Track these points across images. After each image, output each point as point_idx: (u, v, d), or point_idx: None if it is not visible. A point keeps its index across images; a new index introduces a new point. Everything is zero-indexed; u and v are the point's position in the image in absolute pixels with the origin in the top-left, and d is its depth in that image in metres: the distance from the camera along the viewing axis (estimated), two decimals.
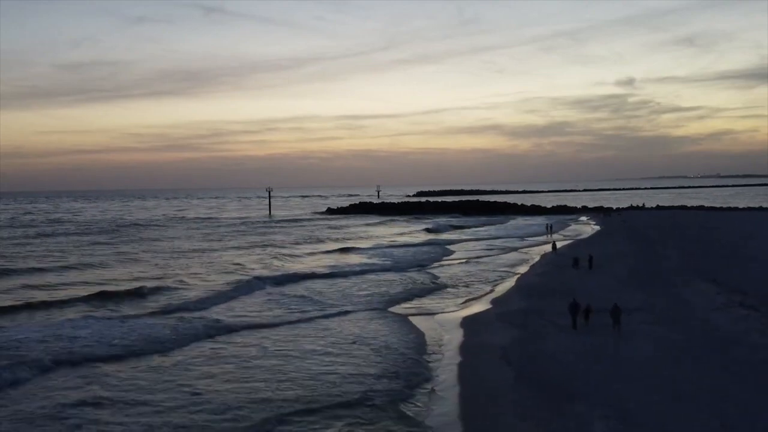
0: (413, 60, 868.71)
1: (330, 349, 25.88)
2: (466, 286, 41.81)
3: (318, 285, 42.53)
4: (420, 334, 28.75)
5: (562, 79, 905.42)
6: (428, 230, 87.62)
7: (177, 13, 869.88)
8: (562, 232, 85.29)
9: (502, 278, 44.93)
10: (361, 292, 39.54)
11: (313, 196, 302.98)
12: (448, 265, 52.89)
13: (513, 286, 41.01)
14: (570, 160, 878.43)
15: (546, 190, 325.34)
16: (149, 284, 40.61)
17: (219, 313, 33.28)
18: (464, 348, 26.46)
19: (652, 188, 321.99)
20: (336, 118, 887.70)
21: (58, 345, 25.64)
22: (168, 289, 39.19)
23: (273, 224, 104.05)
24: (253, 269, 48.93)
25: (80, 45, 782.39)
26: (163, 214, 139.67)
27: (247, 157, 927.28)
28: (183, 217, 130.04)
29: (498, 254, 59.46)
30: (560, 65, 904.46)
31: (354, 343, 26.91)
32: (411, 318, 32.39)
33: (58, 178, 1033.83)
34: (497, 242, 70.95)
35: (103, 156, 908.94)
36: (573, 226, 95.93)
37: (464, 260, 55.31)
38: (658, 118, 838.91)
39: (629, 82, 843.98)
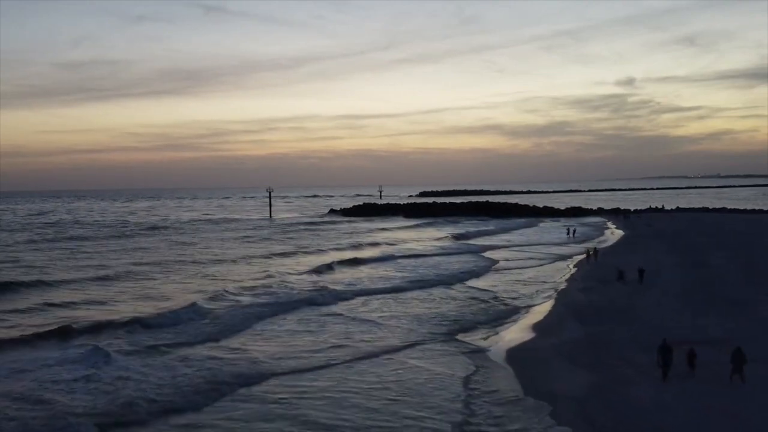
0: (413, 59, 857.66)
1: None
2: (527, 307, 34.87)
3: (364, 303, 35.92)
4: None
5: (562, 79, 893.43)
6: (458, 237, 78.78)
7: (177, 12, 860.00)
8: (596, 238, 76.21)
9: (544, 294, 38.46)
10: (415, 314, 32.77)
11: (322, 196, 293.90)
12: (497, 277, 46.00)
13: (559, 305, 34.44)
14: (570, 160, 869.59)
15: (551, 190, 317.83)
16: (184, 302, 34.03)
17: (256, 343, 27.13)
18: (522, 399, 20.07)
19: (659, 188, 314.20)
20: (336, 118, 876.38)
21: (91, 392, 20.29)
22: (204, 309, 32.83)
23: (286, 228, 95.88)
24: (288, 283, 41.94)
25: (80, 44, 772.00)
26: (182, 216, 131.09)
27: (247, 156, 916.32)
28: (208, 219, 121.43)
29: (539, 264, 52.79)
30: (560, 65, 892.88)
31: (399, 400, 20.13)
32: (489, 354, 25.36)
33: (58, 177, 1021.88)
34: (533, 249, 63.86)
35: (103, 155, 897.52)
36: (608, 232, 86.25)
37: (509, 270, 48.74)
38: (658, 118, 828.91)
39: (629, 81, 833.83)
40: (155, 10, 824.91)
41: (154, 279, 44.46)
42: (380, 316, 32.38)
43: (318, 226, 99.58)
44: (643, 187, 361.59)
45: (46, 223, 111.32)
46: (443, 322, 30.89)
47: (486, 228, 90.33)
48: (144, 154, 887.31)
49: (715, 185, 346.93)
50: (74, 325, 28.59)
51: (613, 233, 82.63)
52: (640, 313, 31.43)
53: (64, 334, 27.23)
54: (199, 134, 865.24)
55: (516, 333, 28.92)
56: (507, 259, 55.78)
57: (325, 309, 34.34)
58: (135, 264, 51.55)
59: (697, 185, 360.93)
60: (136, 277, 44.76)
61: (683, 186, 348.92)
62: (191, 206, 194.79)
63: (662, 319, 29.64)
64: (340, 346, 26.39)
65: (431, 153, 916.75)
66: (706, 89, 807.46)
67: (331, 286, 40.88)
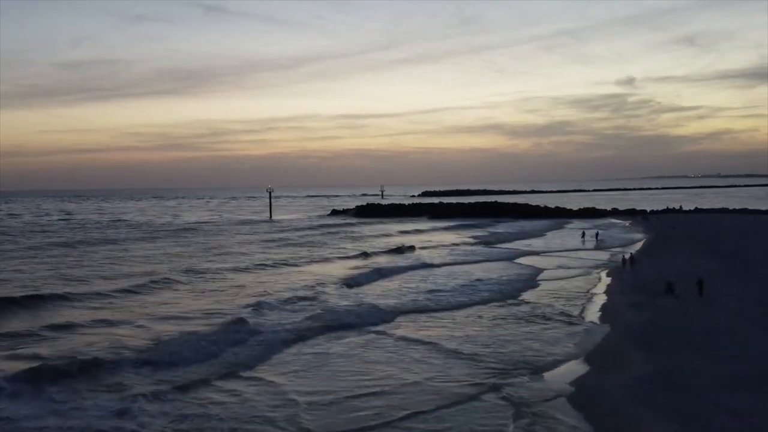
0: (413, 59, 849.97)
1: None
2: (582, 330, 29.04)
3: (411, 325, 30.00)
4: None
5: (562, 79, 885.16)
6: (486, 241, 71.29)
7: (177, 11, 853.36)
8: (629, 245, 67.20)
9: (592, 310, 32.83)
10: (466, 340, 26.63)
11: (329, 196, 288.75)
12: (545, 289, 39.59)
13: (613, 327, 28.67)
14: (570, 160, 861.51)
15: (555, 190, 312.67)
16: (211, 324, 28.76)
17: (292, 375, 22.10)
18: None
19: (669, 188, 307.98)
20: (336, 118, 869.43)
21: None
22: (228, 331, 27.38)
23: (305, 230, 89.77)
24: (323, 296, 36.68)
25: (80, 44, 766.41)
26: (194, 217, 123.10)
27: (247, 156, 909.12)
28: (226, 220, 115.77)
29: (579, 274, 46.36)
30: (560, 65, 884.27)
31: None
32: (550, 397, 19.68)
33: (58, 177, 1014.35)
34: (566, 255, 57.83)
35: (103, 155, 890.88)
36: (633, 235, 78.35)
37: (552, 281, 42.80)
38: (658, 118, 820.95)
39: (629, 81, 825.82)
40: (155, 10, 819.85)
41: (184, 289, 39.55)
42: (431, 344, 26.40)
43: (338, 229, 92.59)
44: (647, 186, 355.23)
45: (63, 221, 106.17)
46: (491, 350, 25.13)
47: (509, 231, 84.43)
48: (144, 153, 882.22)
49: (721, 185, 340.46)
50: (91, 358, 22.46)
51: (638, 236, 76.37)
52: (712, 338, 25.83)
53: (78, 370, 20.79)
54: (199, 134, 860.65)
55: (576, 365, 23.32)
56: (547, 268, 49.14)
57: (370, 329, 28.97)
58: (161, 272, 46.16)
59: (702, 185, 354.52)
60: (164, 288, 39.77)
61: (688, 186, 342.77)
62: (199, 206, 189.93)
63: (744, 346, 24.08)
64: (387, 392, 20.32)
65: (431, 153, 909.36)
66: (706, 89, 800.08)
67: (371, 300, 35.37)
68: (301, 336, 26.99)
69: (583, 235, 74.50)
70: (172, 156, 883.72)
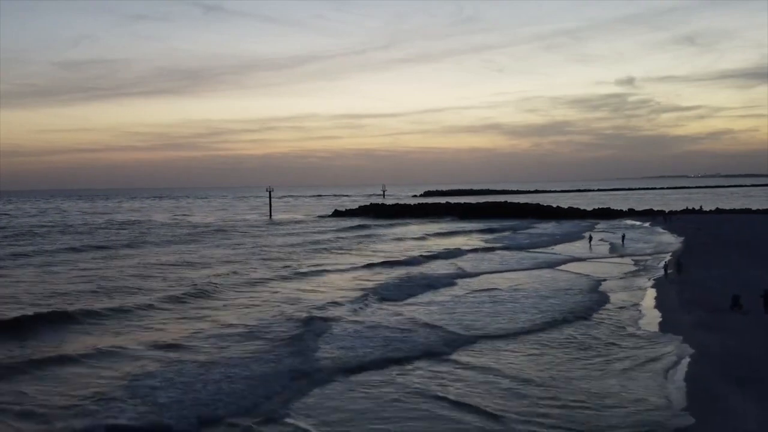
0: (413, 58, 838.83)
1: None
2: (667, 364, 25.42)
3: (488, 354, 24.97)
4: None
5: (562, 79, 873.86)
6: (518, 247, 64.68)
7: (176, 11, 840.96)
8: (667, 251, 60.56)
9: (652, 327, 28.77)
10: (537, 386, 21.08)
11: (339, 195, 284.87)
12: (616, 303, 34.78)
13: (693, 357, 24.37)
14: (570, 160, 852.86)
15: (559, 189, 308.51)
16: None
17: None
18: None
19: (675, 188, 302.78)
20: (336, 117, 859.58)
21: None
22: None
23: (334, 232, 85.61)
24: (369, 311, 33.01)
25: (79, 43, 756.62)
26: (210, 218, 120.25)
27: (246, 156, 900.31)
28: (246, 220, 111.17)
29: (633, 286, 41.23)
30: (560, 64, 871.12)
31: None
32: None
33: (57, 176, 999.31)
34: (607, 262, 53.89)
35: (103, 155, 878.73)
36: (661, 238, 73.91)
37: (614, 293, 38.06)
38: (658, 118, 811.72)
39: (629, 81, 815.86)
40: (154, 9, 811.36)
41: (216, 302, 36.10)
42: (500, 376, 22.09)
43: (357, 231, 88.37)
44: (652, 186, 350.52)
45: (66, 222, 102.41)
46: (564, 394, 20.59)
47: (540, 233, 79.91)
48: (144, 153, 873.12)
49: (725, 185, 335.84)
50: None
51: (668, 240, 70.89)
52: None
53: None
54: (198, 133, 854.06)
55: (672, 416, 18.59)
56: (605, 278, 43.82)
57: (430, 358, 24.46)
58: (194, 281, 42.74)
59: (704, 185, 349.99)
60: (198, 298, 36.66)
61: (691, 185, 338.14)
62: (205, 206, 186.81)
63: None
64: None
65: (431, 152, 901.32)
66: (706, 89, 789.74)
67: (422, 317, 31.06)
68: (351, 368, 22.71)
69: (590, 239, 66.54)
70: (172, 155, 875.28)
